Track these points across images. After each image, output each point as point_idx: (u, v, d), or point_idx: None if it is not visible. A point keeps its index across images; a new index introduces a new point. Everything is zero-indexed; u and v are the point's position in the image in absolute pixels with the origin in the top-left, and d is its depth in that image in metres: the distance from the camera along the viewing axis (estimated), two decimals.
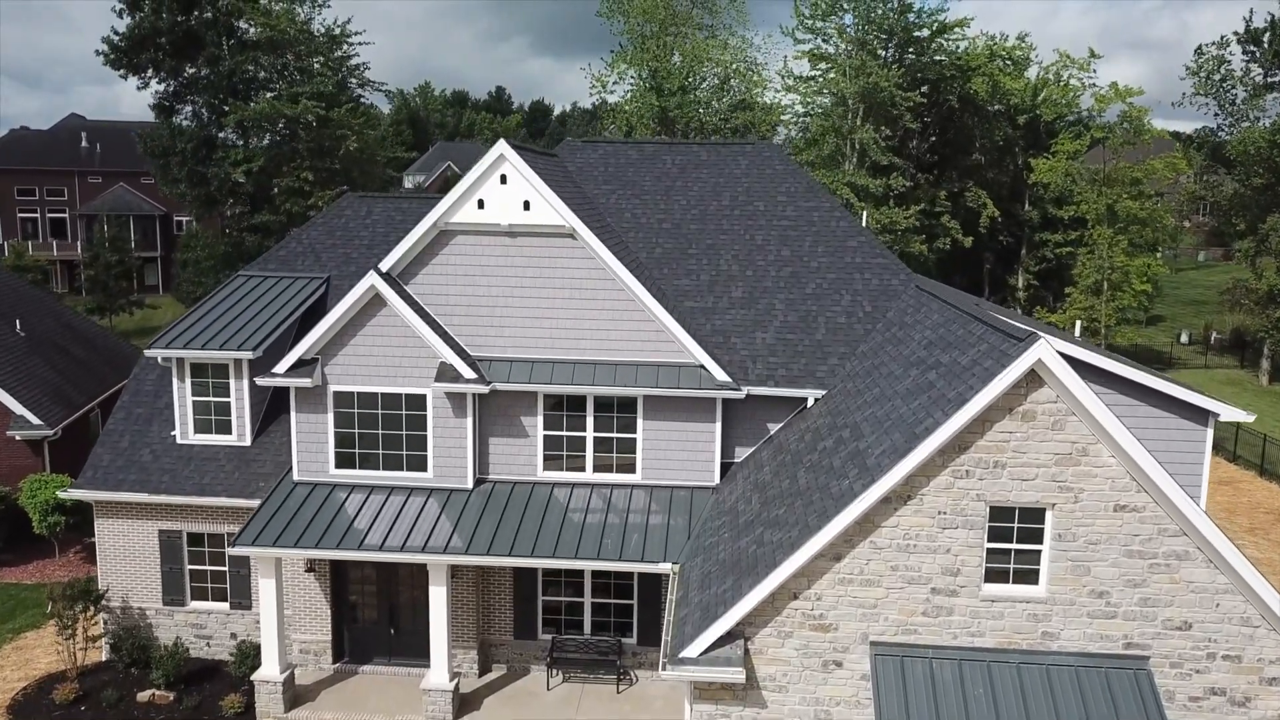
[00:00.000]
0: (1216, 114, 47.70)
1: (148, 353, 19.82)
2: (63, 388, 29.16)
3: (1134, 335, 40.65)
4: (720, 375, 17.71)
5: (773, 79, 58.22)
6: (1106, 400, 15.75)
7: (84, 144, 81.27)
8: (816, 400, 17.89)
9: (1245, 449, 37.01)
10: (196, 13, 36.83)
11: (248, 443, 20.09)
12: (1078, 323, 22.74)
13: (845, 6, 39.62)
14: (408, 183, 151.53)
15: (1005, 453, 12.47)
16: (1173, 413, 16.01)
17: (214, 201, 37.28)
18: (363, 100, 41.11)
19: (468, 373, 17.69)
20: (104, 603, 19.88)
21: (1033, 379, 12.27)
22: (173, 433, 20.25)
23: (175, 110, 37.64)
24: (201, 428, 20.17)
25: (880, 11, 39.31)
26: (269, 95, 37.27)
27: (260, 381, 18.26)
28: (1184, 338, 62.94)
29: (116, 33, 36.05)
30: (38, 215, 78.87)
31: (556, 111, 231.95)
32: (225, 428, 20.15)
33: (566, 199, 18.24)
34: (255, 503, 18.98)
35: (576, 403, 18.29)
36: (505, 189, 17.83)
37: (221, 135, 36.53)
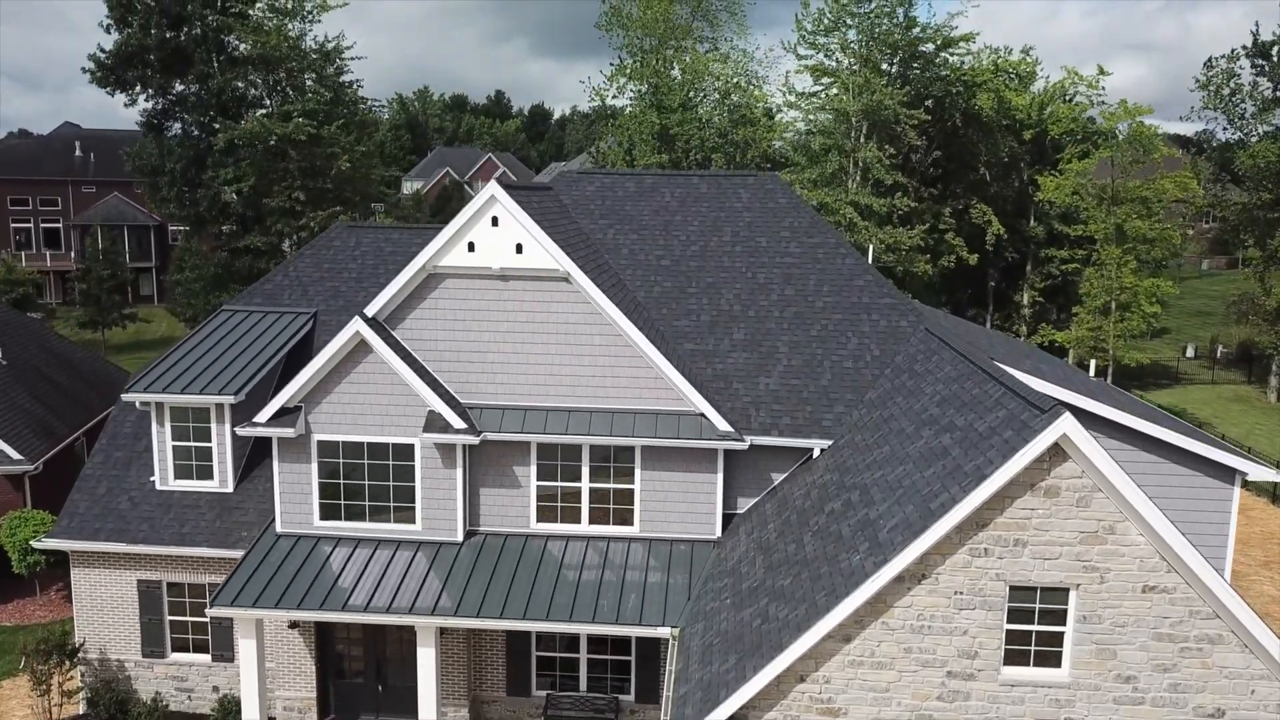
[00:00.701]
0: (1225, 128, 46.99)
1: (124, 397, 19.04)
2: (45, 418, 28.37)
3: (1142, 356, 39.85)
4: (722, 425, 16.94)
5: (774, 93, 57.43)
6: (1128, 457, 15.03)
7: (78, 153, 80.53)
8: (823, 451, 17.11)
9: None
10: (185, 29, 36.05)
11: (230, 489, 19.32)
12: (1092, 361, 21.89)
13: (849, 22, 38.85)
14: (406, 188, 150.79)
15: (1027, 530, 11.70)
16: (1198, 470, 15.28)
17: (204, 221, 36.49)
18: (361, 104, 40.27)
19: (457, 423, 16.92)
20: (81, 655, 19.11)
21: (1056, 453, 11.50)
22: (152, 478, 19.48)
23: (165, 128, 36.84)
24: (182, 473, 19.39)
25: (884, 26, 38.54)
26: (260, 113, 36.49)
27: (240, 432, 17.48)
28: (1190, 351, 62.19)
29: (103, 50, 35.30)
30: (31, 225, 78.10)
31: (556, 115, 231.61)
32: (206, 473, 19.38)
33: (561, 240, 17.49)
34: (237, 553, 18.23)
35: (571, 452, 17.51)
36: (497, 231, 17.06)
37: (211, 155, 35.71)
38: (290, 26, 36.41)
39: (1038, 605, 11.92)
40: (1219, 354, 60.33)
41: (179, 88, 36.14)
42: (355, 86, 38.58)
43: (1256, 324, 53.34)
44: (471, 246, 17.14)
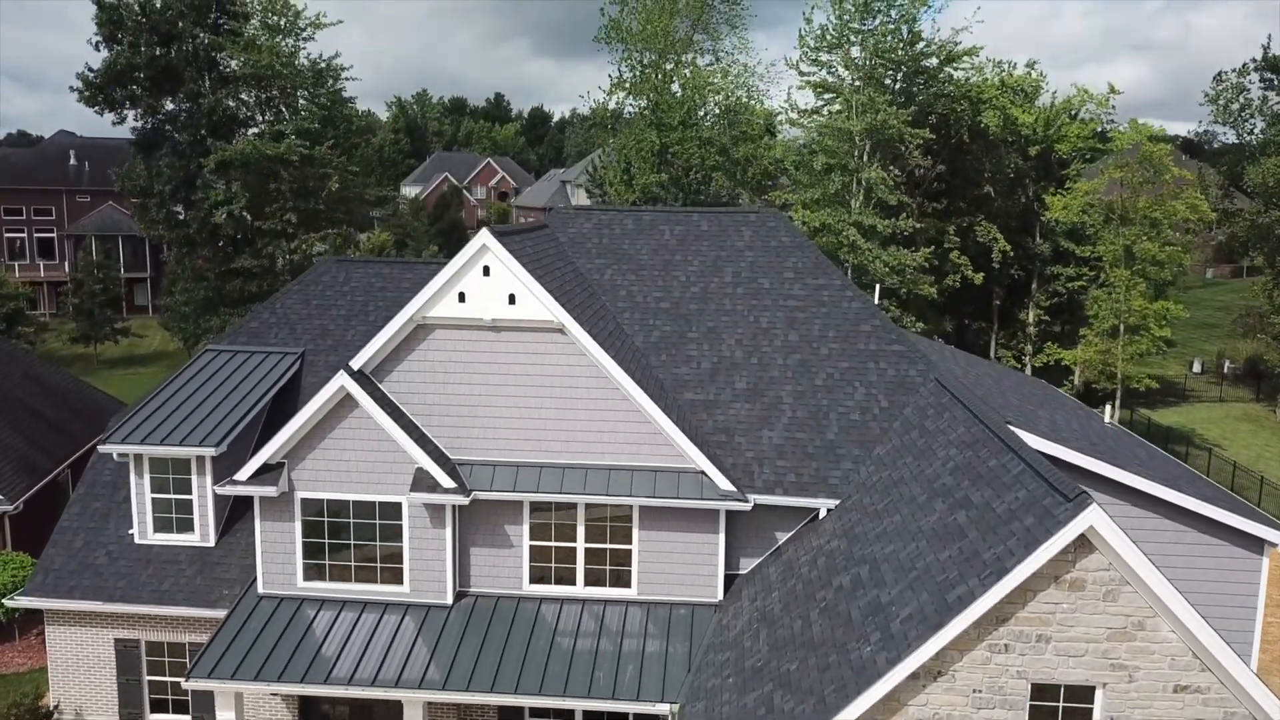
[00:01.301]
0: (1236, 141, 46.20)
1: (101, 449, 18.28)
2: (27, 453, 27.60)
3: (1152, 382, 39.06)
4: (724, 484, 16.17)
5: (776, 108, 56.62)
6: (1150, 525, 14.26)
7: (72, 162, 79.78)
8: (829, 511, 16.34)
9: (1270, 502, 35.49)
10: (175, 46, 35.29)
11: (211, 543, 18.56)
12: (1107, 407, 21.13)
13: (852, 39, 38.07)
14: (405, 193, 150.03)
15: (1050, 625, 10.95)
16: (1223, 539, 14.52)
17: (194, 243, 35.72)
18: (355, 116, 39.48)
19: (446, 481, 16.16)
20: (56, 718, 18.37)
21: (1082, 544, 10.75)
22: (131, 531, 18.72)
23: (155, 146, 36.07)
24: (161, 526, 18.63)
25: (889, 43, 37.77)
26: (252, 133, 35.74)
27: (220, 491, 16.71)
28: (1196, 367, 61.41)
29: (91, 70, 34.55)
30: (24, 235, 77.33)
31: (556, 118, 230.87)
32: (187, 526, 18.62)
33: (556, 288, 16.74)
34: (218, 613, 17.48)
35: (566, 511, 16.75)
36: (489, 281, 16.30)
37: (201, 176, 34.95)
38: (283, 43, 35.64)
39: (1061, 704, 11.17)
40: (1226, 369, 59.58)
41: (169, 106, 35.33)
42: (350, 103, 37.83)
43: (1265, 341, 52.60)
44: (462, 297, 16.38)
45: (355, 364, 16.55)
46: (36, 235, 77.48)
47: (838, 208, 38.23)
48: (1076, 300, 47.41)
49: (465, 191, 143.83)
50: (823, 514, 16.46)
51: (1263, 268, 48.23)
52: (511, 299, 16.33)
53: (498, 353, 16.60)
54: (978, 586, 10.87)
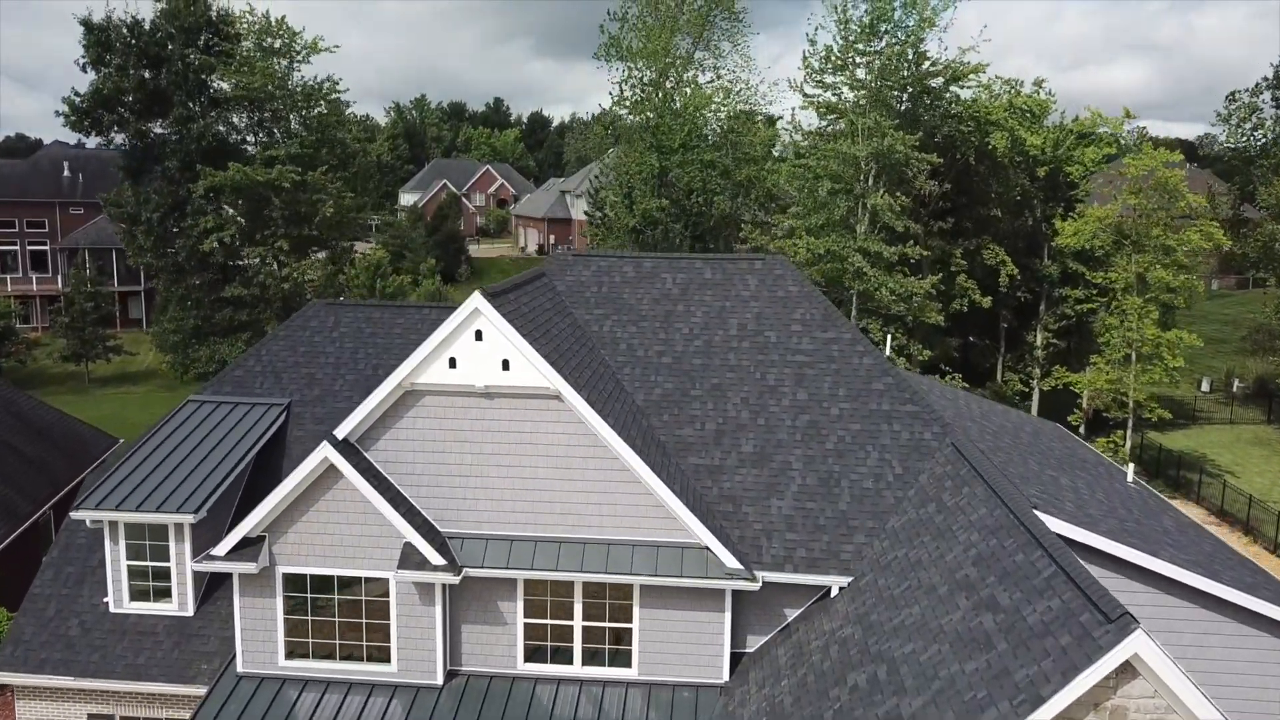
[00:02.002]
0: (1249, 161, 45.39)
1: (74, 515, 17.36)
2: (7, 496, 26.72)
3: (1164, 413, 38.18)
4: (730, 562, 15.27)
5: (779, 125, 55.74)
6: (1185, 615, 13.38)
7: (66, 174, 78.96)
8: (842, 590, 15.44)
9: None
10: (165, 68, 34.40)
11: (190, 613, 17.65)
12: (1130, 467, 20.20)
13: (858, 61, 37.16)
14: (404, 200, 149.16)
15: None
16: (1264, 630, 13.61)
17: (182, 271, 34.82)
18: (350, 129, 38.61)
19: (436, 558, 15.25)
20: None
21: (1125, 669, 9.85)
22: (105, 599, 17.82)
23: (143, 171, 35.17)
24: (138, 595, 17.72)
25: (895, 65, 36.88)
26: (243, 159, 34.85)
27: (197, 567, 15.80)
28: (1205, 385, 60.50)
29: (78, 94, 33.62)
30: (17, 248, 76.50)
31: (555, 122, 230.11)
32: (165, 594, 17.71)
33: (553, 351, 15.86)
34: (197, 689, 16.60)
35: (563, 588, 15.84)
36: (481, 346, 15.40)
37: (191, 202, 34.06)
38: (277, 64, 34.73)
39: None
40: (1235, 389, 58.70)
41: (158, 130, 34.44)
42: (345, 125, 36.91)
43: (1276, 361, 51.75)
44: (453, 362, 15.48)
45: (340, 432, 15.65)
46: (29, 248, 76.63)
47: (843, 233, 37.33)
48: (1085, 323, 46.57)
49: (464, 199, 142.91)
50: (834, 591, 15.56)
51: (1267, 281, 47.36)
52: (505, 365, 15.43)
53: (490, 420, 15.70)
54: (1009, 714, 9.96)
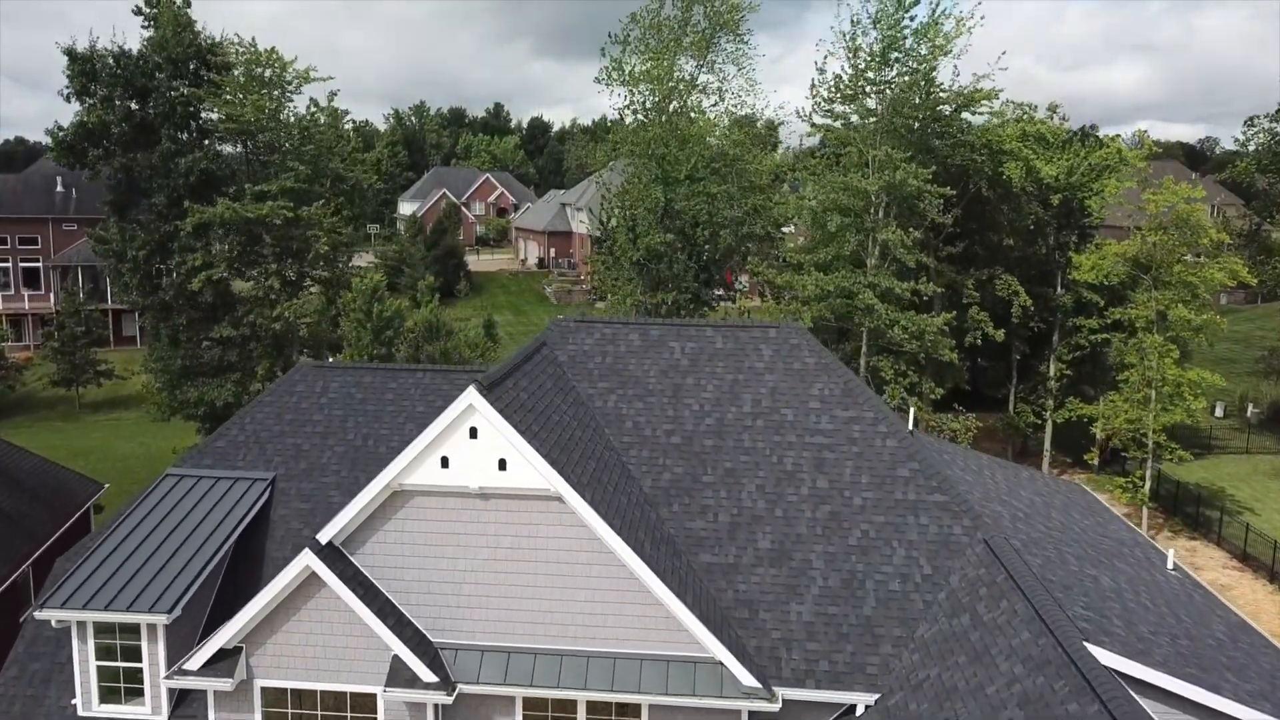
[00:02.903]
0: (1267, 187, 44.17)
1: (38, 615, 16.12)
2: None
3: (1186, 455, 36.95)
4: (748, 679, 14.04)
5: (786, 146, 54.58)
6: None
7: (59, 189, 77.70)
8: (868, 708, 14.20)
9: None
10: (153, 99, 33.18)
11: (164, 716, 16.40)
12: (1170, 553, 18.94)
13: (868, 90, 35.93)
14: (403, 208, 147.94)
15: None
16: None
17: (170, 310, 33.59)
18: (342, 166, 37.40)
19: (427, 675, 14.02)
20: None
21: None
22: (74, 700, 16.58)
23: (130, 205, 33.93)
24: (108, 696, 16.46)
25: (908, 95, 35.66)
26: (233, 190, 33.65)
27: (169, 684, 14.58)
28: (1219, 410, 59.22)
29: (62, 128, 32.38)
30: (10, 265, 75.24)
31: (555, 128, 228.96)
32: (136, 696, 16.45)
33: (554, 446, 14.64)
34: None
35: (565, 705, 14.62)
36: (475, 444, 14.18)
37: (178, 239, 32.85)
38: (268, 97, 33.52)
39: None
40: (1250, 414, 57.42)
41: (145, 164, 33.20)
42: (343, 146, 35.68)
43: None
44: (445, 462, 14.26)
45: (324, 536, 14.43)
46: (22, 265, 75.40)
47: (852, 268, 36.10)
48: (1099, 353, 45.29)
49: (464, 208, 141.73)
50: (860, 710, 14.33)
51: None
52: (502, 464, 14.21)
53: (486, 523, 14.48)
54: None
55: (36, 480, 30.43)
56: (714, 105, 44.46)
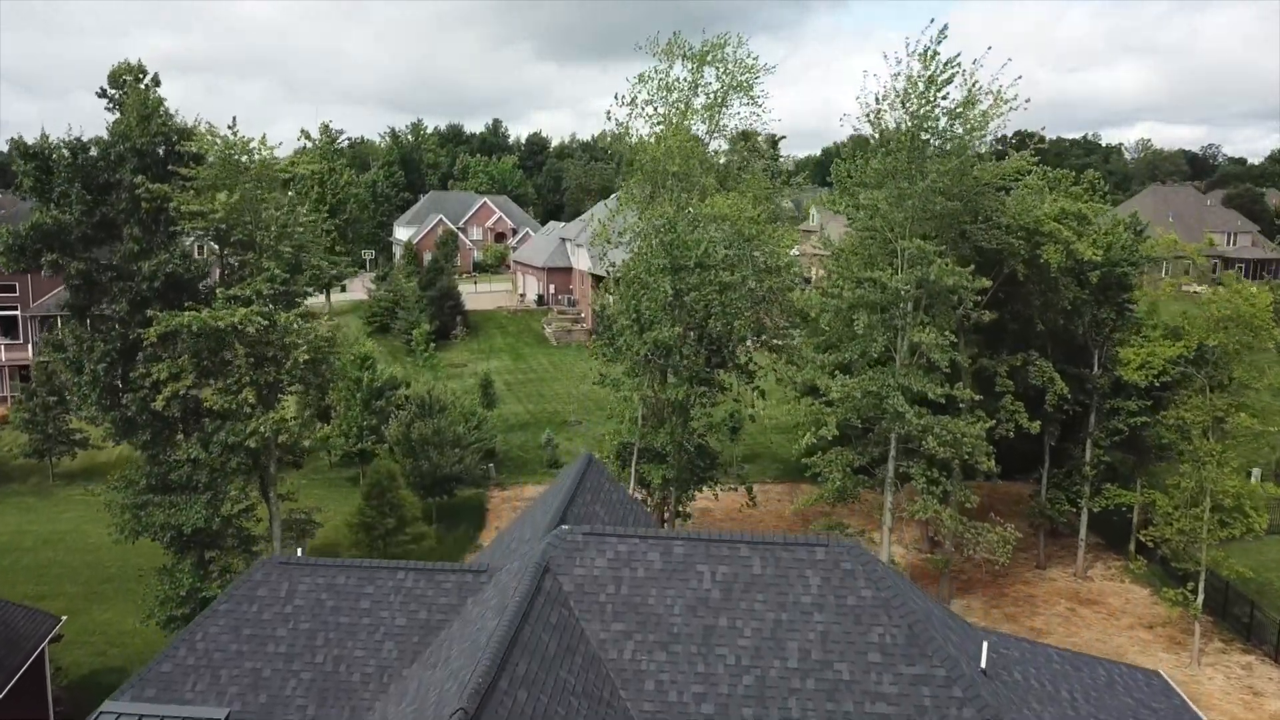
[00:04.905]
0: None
1: None
2: None
3: (1246, 570, 34.02)
4: None
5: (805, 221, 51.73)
6: None
7: None
8: None
9: None
10: (115, 194, 30.23)
11: None
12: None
13: (898, 177, 32.89)
14: (399, 233, 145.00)
15: None
16: None
17: (133, 425, 30.58)
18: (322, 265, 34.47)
19: None
20: None
21: None
22: None
23: (88, 310, 30.94)
24: None
25: (944, 183, 32.70)
26: (201, 298, 30.67)
27: None
28: (1255, 475, 56.25)
29: (13, 233, 29.36)
30: None
31: (555, 143, 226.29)
32: None
33: None
34: None
35: None
36: None
37: (143, 349, 29.87)
38: (243, 191, 30.53)
39: None
40: None
41: (106, 265, 30.23)
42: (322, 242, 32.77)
43: None
44: None
45: None
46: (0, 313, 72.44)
47: (880, 369, 33.14)
48: (1139, 435, 42.30)
49: (461, 234, 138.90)
50: None
51: None
52: None
53: None
54: None
55: None
56: (728, 175, 41.74)
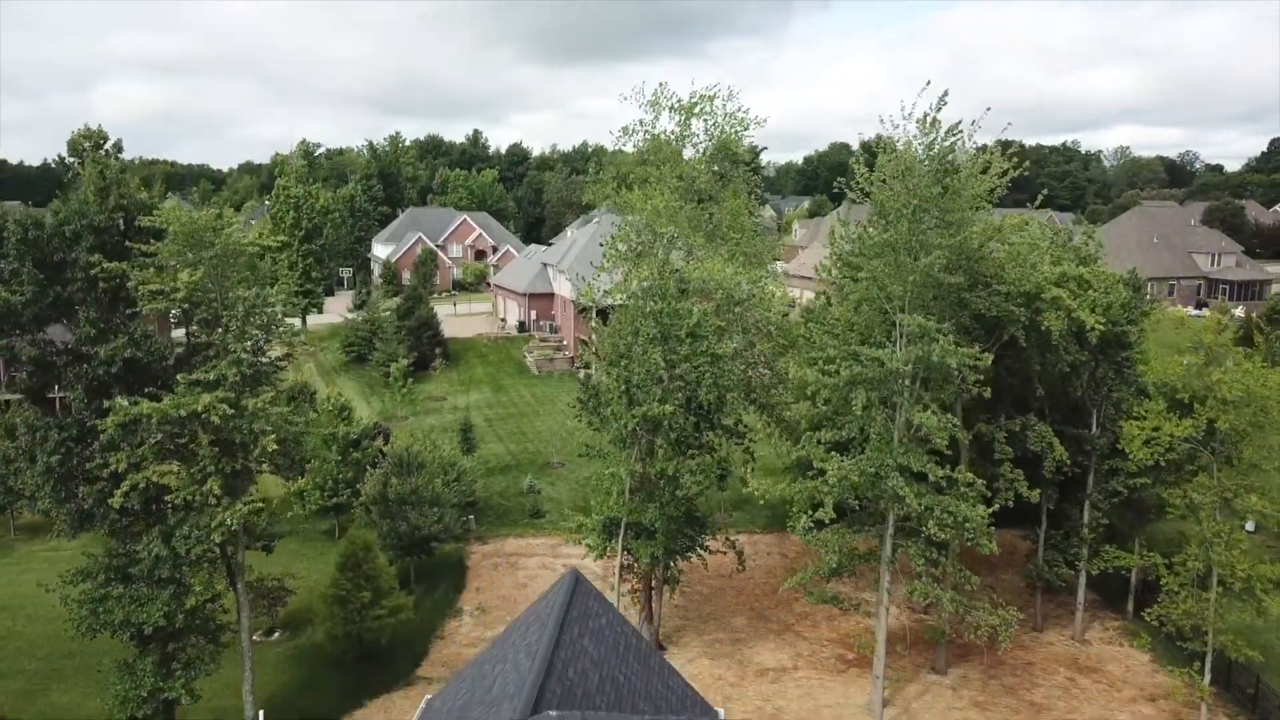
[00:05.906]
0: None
1: None
2: None
3: (1255, 654, 32.93)
4: None
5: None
6: None
7: None
8: None
9: None
10: (70, 272, 28.53)
11: None
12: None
13: (904, 260, 31.44)
14: (377, 250, 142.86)
15: None
16: None
17: (89, 518, 28.86)
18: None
19: None
20: None
21: None
22: None
23: (43, 393, 29.20)
24: None
25: (947, 257, 31.43)
26: (161, 383, 28.96)
27: None
28: (1250, 526, 55.40)
29: None
30: None
31: (535, 153, 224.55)
32: None
33: None
34: None
35: None
36: None
37: (98, 439, 28.15)
38: (209, 276, 28.86)
39: None
40: None
41: (61, 348, 28.50)
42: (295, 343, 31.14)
43: None
44: None
45: None
46: None
47: (877, 447, 31.83)
48: (1137, 497, 41.24)
49: (440, 251, 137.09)
50: None
51: None
52: None
53: None
54: None
55: None
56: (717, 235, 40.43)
